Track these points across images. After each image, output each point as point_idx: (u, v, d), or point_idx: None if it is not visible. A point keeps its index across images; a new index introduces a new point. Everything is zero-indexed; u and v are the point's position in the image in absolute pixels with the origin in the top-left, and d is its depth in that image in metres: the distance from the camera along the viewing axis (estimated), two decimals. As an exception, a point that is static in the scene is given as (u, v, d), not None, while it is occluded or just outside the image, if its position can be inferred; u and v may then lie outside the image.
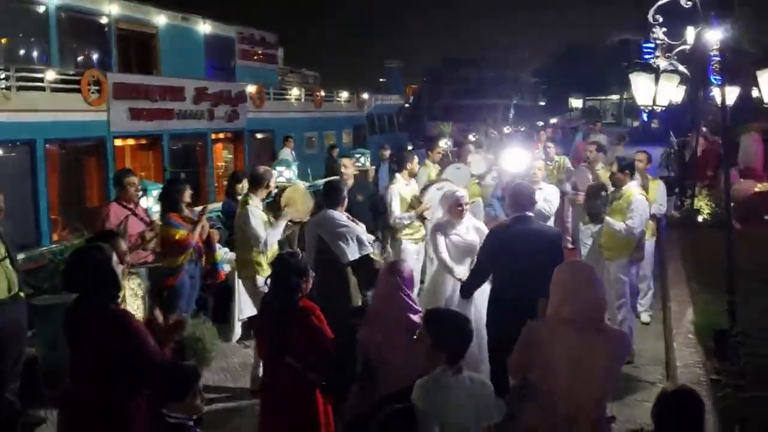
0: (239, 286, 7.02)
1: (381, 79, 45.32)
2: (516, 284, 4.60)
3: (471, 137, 17.56)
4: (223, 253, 7.52)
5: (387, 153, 12.09)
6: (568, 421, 3.14)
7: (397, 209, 7.14)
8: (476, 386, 3.17)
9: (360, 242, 5.37)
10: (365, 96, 28.78)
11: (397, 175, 7.53)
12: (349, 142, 25.57)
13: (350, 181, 7.73)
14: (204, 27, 17.93)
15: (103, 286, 3.46)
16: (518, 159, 7.81)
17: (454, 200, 5.89)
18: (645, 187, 7.11)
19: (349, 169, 8.18)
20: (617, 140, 14.53)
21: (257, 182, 6.15)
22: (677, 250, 9.71)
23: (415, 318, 3.82)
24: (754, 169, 12.71)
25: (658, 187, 7.61)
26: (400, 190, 7.29)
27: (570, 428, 3.15)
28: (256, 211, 5.99)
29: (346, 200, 5.70)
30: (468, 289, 5.17)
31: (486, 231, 5.60)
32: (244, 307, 6.91)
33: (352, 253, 5.29)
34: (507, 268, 4.76)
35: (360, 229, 5.54)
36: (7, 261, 5.11)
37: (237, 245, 6.37)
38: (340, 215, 5.50)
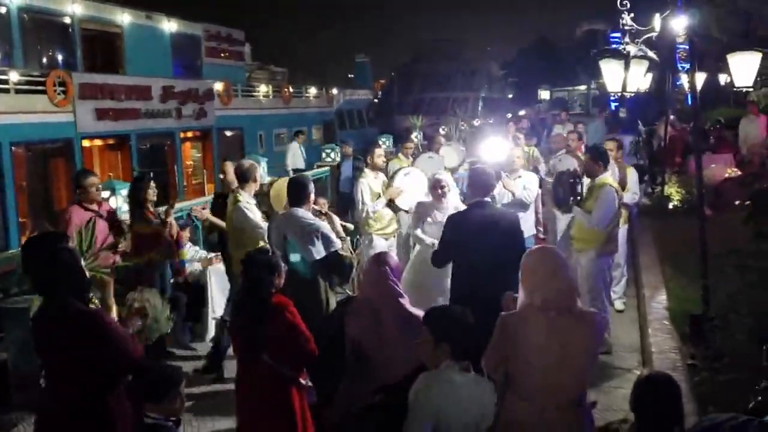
0: (212, 284, 6.94)
1: (350, 75, 45.15)
2: (475, 270, 4.62)
3: (441, 130, 17.58)
4: (193, 252, 7.44)
5: (350, 149, 11.99)
6: (548, 410, 3.12)
7: (369, 201, 7.09)
8: (481, 389, 3.09)
9: (326, 239, 5.21)
10: (334, 91, 28.67)
11: (366, 169, 7.44)
12: (319, 137, 25.46)
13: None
14: (169, 25, 17.68)
15: (72, 288, 3.37)
16: (496, 148, 7.83)
17: (434, 182, 6.10)
18: (623, 177, 7.13)
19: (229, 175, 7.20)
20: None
21: (245, 177, 6.01)
22: (649, 236, 9.83)
23: (404, 303, 3.81)
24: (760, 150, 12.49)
25: (630, 175, 7.62)
26: (370, 183, 7.21)
27: (551, 416, 3.13)
28: (250, 205, 5.87)
29: (312, 196, 5.53)
30: (437, 259, 5.16)
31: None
32: (217, 306, 6.84)
33: (318, 252, 5.14)
34: (466, 253, 4.75)
35: (326, 225, 5.42)
36: None
37: (233, 244, 6.06)
38: (306, 213, 5.31)
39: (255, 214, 5.82)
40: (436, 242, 5.42)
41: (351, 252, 6.35)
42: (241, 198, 5.89)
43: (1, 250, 9.35)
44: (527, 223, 6.87)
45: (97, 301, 4.01)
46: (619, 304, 7.61)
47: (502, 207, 6.66)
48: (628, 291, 7.93)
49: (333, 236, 5.27)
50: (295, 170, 15.19)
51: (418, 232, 6.13)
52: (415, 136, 12.87)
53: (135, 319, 3.83)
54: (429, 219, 6.07)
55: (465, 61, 48.72)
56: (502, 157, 7.61)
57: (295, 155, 16.52)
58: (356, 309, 3.91)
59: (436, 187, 6.13)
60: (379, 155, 7.44)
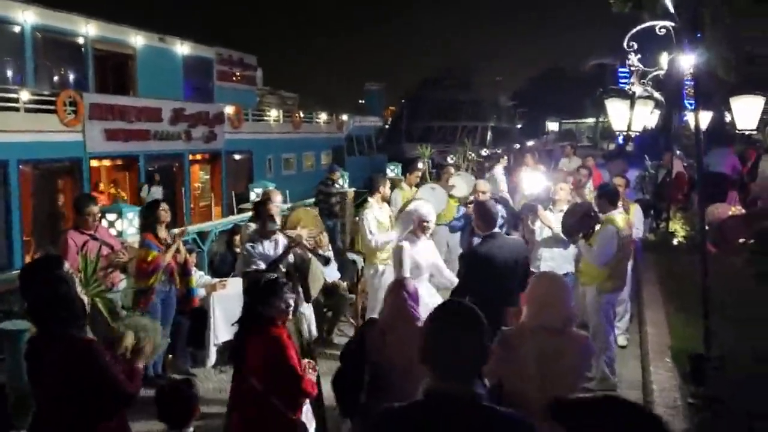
0: (214, 310, 6.93)
1: (360, 101, 45.52)
2: (484, 294, 4.64)
3: (449, 159, 17.64)
4: (198, 277, 7.42)
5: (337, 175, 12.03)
6: (540, 421, 3.19)
7: (376, 232, 7.03)
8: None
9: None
10: (344, 117, 28.87)
11: (370, 199, 7.41)
12: (327, 163, 25.58)
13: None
14: (182, 48, 17.89)
15: (66, 317, 3.36)
16: (535, 180, 7.79)
17: (418, 216, 5.87)
18: (626, 211, 7.12)
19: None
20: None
21: (265, 203, 6.26)
22: (653, 273, 9.78)
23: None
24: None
25: (634, 211, 7.65)
26: (376, 214, 7.18)
27: (543, 429, 3.16)
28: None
29: None
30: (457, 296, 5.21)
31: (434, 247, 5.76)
32: (219, 332, 6.82)
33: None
34: (479, 281, 4.90)
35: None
36: None
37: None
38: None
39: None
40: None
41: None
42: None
43: (4, 269, 9.35)
44: (566, 260, 6.67)
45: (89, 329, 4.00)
46: (622, 340, 7.56)
47: (542, 241, 6.67)
48: (631, 327, 7.88)
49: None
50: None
51: (403, 271, 5.64)
52: (423, 165, 12.89)
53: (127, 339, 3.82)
54: (411, 256, 5.68)
55: (474, 90, 49.07)
56: (540, 189, 7.53)
57: None
58: (377, 331, 4.00)
59: (421, 221, 5.81)
60: (388, 188, 7.50)
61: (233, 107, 19.21)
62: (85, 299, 3.58)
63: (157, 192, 14.19)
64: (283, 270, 5.62)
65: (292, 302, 4.08)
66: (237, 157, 19.87)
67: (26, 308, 3.49)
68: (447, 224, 8.60)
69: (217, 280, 7.30)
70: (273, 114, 22.63)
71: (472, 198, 8.27)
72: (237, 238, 7.77)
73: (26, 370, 3.46)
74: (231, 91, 20.26)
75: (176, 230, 6.74)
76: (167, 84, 17.00)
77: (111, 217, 7.38)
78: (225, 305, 6.90)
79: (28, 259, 11.23)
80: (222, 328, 6.81)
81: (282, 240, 5.98)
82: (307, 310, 5.94)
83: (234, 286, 6.91)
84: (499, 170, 11.71)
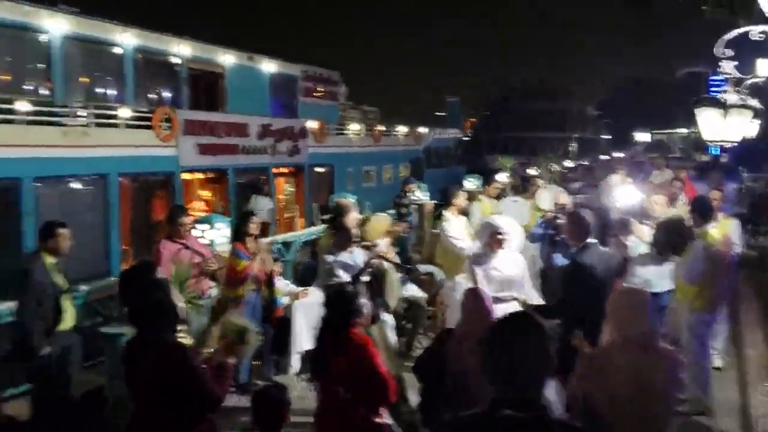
0: (297, 318, 7.08)
1: (439, 113, 45.55)
2: (587, 307, 4.52)
3: (532, 171, 17.35)
4: (283, 285, 7.60)
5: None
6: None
7: (462, 237, 6.90)
8: None
9: None
10: (423, 130, 28.94)
11: (445, 212, 7.35)
12: (406, 175, 25.69)
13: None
14: (269, 66, 18.51)
15: (161, 319, 3.53)
16: (629, 193, 7.60)
17: (492, 230, 5.67)
18: (721, 226, 6.79)
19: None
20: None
21: (341, 213, 6.67)
22: (751, 290, 9.25)
23: None
24: None
25: (731, 226, 7.25)
26: (453, 226, 7.12)
27: None
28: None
29: None
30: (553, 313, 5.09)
31: (523, 263, 5.47)
32: (302, 340, 6.95)
33: None
34: (582, 294, 4.77)
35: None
36: (69, 294, 5.36)
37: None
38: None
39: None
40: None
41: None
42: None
43: (104, 276, 9.89)
44: (662, 277, 6.40)
45: (183, 332, 4.17)
46: (718, 361, 7.16)
47: (638, 258, 6.46)
48: (728, 348, 7.46)
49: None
50: None
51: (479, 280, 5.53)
52: (506, 176, 12.70)
53: (226, 342, 3.96)
54: (484, 270, 5.54)
55: (557, 100, 48.08)
56: (634, 202, 7.32)
57: None
58: (455, 340, 4.00)
59: (495, 234, 5.64)
60: (463, 199, 7.43)
61: (317, 122, 19.65)
62: (180, 305, 3.76)
63: (264, 202, 14.75)
64: (363, 280, 5.68)
65: (370, 311, 4.12)
66: (319, 169, 20.27)
67: (125, 313, 3.70)
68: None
69: (300, 288, 7.46)
70: (354, 128, 22.99)
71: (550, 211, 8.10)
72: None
73: (124, 372, 3.66)
74: (314, 107, 20.74)
75: (264, 240, 6.96)
76: (255, 100, 17.62)
77: (202, 227, 7.68)
78: (307, 314, 7.03)
79: (125, 267, 11.84)
80: (304, 337, 6.94)
81: (359, 251, 6.06)
82: (389, 319, 5.97)
83: (316, 294, 7.05)
84: (615, 180, 11.03)
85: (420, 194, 12.20)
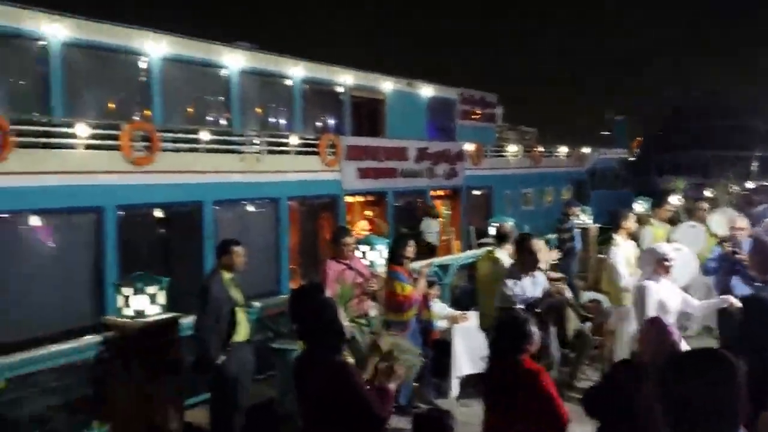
0: (457, 343, 7.02)
1: (603, 132, 43.64)
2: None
3: (707, 193, 16.07)
4: (440, 309, 7.57)
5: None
6: None
7: (625, 273, 6.62)
8: None
9: None
10: (586, 150, 27.86)
11: (614, 236, 6.99)
12: (568, 198, 24.82)
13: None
14: (427, 91, 18.85)
15: (329, 338, 3.64)
16: None
17: (658, 256, 5.43)
18: None
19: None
20: None
21: (503, 238, 6.62)
22: None
23: None
24: None
25: None
26: (623, 252, 6.76)
27: None
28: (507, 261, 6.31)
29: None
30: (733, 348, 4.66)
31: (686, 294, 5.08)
32: (462, 364, 6.88)
33: None
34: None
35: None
36: (244, 308, 5.72)
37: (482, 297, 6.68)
38: None
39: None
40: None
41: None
42: (498, 255, 6.12)
43: (274, 293, 10.48)
44: None
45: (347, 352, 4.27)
46: None
47: None
48: None
49: None
50: None
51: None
52: (678, 199, 11.86)
53: (388, 363, 4.00)
54: (654, 298, 5.30)
55: (735, 116, 44.25)
56: None
57: None
58: (633, 374, 3.74)
59: (660, 261, 5.43)
60: (632, 222, 7.06)
61: (473, 144, 19.65)
62: (345, 324, 3.87)
63: (434, 224, 15.07)
64: (538, 310, 5.53)
65: (539, 341, 3.97)
66: (476, 192, 20.21)
67: (294, 330, 3.87)
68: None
69: (459, 312, 7.41)
70: (512, 149, 22.67)
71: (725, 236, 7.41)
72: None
73: (294, 386, 3.82)
74: (471, 129, 20.78)
75: (421, 263, 6.99)
76: (413, 125, 18.04)
77: (364, 248, 7.90)
78: (466, 338, 6.97)
79: (293, 286, 12.51)
80: (463, 361, 6.88)
81: (540, 277, 5.91)
82: (557, 352, 5.77)
83: (475, 319, 6.98)
84: None
85: (584, 217, 11.71)
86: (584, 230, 11.36)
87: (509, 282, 5.79)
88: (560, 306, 5.72)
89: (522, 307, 5.42)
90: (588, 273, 10.41)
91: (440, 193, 18.91)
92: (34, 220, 9.66)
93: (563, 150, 26.14)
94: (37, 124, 9.78)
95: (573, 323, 5.90)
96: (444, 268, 9.62)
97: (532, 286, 5.81)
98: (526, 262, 5.87)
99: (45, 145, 9.59)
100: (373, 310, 6.69)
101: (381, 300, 6.57)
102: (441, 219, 18.78)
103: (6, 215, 9.08)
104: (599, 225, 11.92)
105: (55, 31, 10.16)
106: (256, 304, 6.58)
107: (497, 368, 3.87)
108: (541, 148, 24.48)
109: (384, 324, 6.32)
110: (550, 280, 6.22)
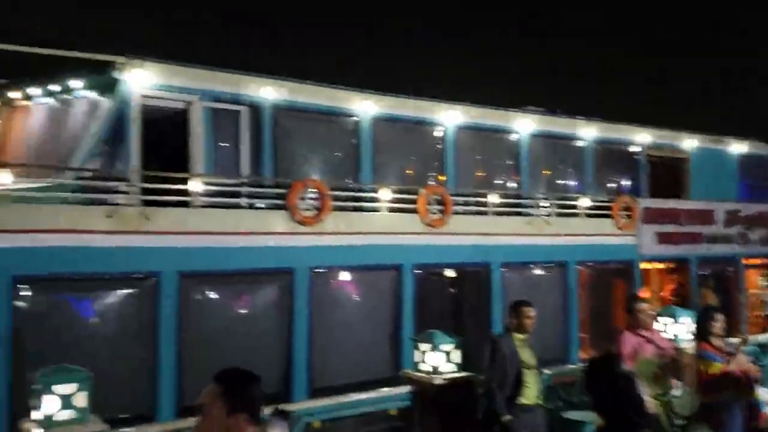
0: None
1: None
2: None
3: None
4: (763, 393, 6.59)
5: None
6: None
7: None
8: None
9: None
10: None
11: None
12: None
13: None
14: (739, 147, 16.99)
15: (628, 413, 3.37)
16: None
17: None
18: None
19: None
20: None
21: None
22: None
23: None
24: None
25: None
26: None
27: None
28: None
29: None
30: None
31: None
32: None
33: None
34: None
35: None
36: (534, 370, 5.57)
37: None
38: None
39: None
40: None
41: None
42: None
43: (562, 362, 10.10)
44: None
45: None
46: None
47: None
48: None
49: None
50: None
51: None
52: None
53: None
54: None
55: None
56: None
57: None
58: None
59: None
60: None
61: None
62: (647, 399, 3.55)
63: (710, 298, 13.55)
64: None
65: None
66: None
67: (585, 400, 3.64)
68: None
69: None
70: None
71: None
72: None
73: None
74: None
75: (736, 339, 6.19)
76: (721, 185, 16.33)
77: (665, 320, 7.23)
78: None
79: (582, 355, 11.92)
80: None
81: None
82: None
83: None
84: None
85: None
86: None
87: None
88: None
89: None
90: None
91: (755, 261, 16.64)
92: (344, 276, 10.72)
93: None
94: (349, 189, 10.98)
95: None
96: (763, 347, 8.38)
97: None
98: None
99: (355, 209, 10.70)
100: (677, 389, 6.08)
101: (689, 380, 5.94)
102: (753, 290, 16.53)
103: (323, 270, 10.21)
104: None
105: (365, 107, 11.41)
106: (546, 371, 6.40)
107: None
108: None
109: (698, 411, 5.67)
110: None
